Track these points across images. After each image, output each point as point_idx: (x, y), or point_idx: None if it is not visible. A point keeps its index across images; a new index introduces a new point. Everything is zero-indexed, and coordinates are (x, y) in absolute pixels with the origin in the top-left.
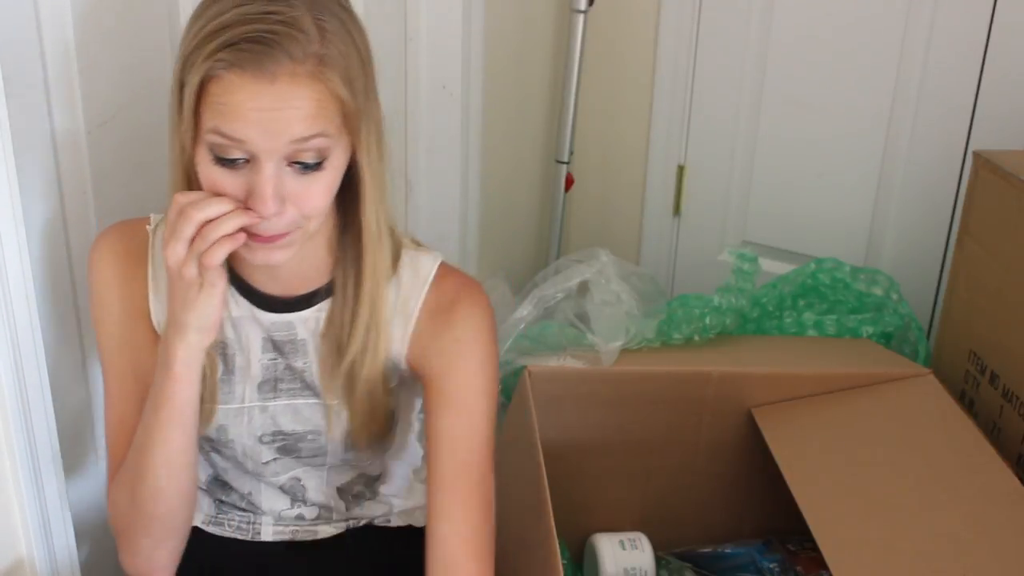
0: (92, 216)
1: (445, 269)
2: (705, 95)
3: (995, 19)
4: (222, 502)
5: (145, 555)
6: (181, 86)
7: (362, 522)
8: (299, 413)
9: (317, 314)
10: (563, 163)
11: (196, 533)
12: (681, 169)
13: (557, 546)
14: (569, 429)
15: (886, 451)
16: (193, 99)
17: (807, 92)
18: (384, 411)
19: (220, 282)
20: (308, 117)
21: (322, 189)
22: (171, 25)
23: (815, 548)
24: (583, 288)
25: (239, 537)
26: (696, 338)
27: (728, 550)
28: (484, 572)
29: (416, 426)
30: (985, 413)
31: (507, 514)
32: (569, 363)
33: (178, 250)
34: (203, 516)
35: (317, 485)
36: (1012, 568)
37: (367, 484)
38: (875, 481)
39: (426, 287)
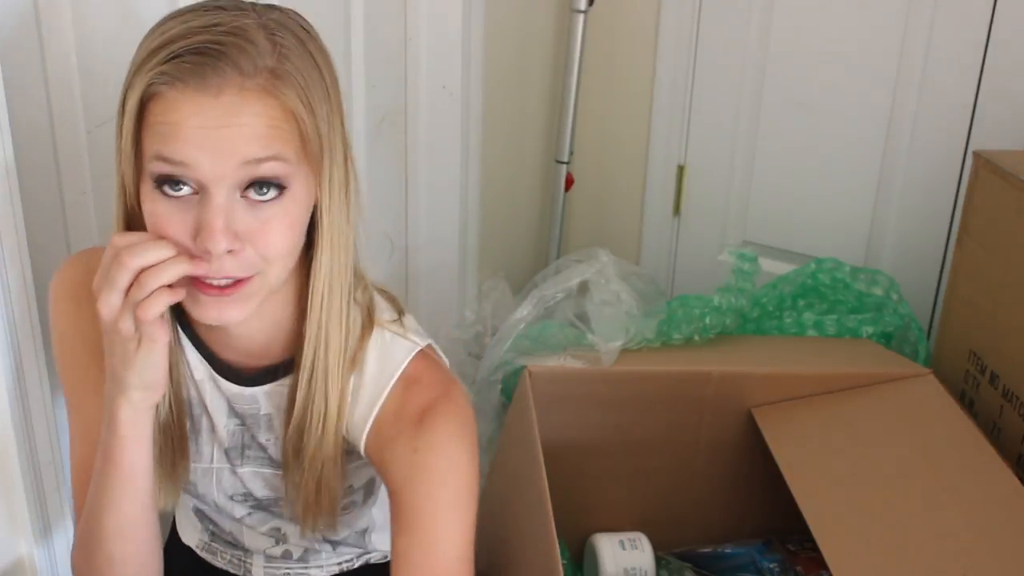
0: (92, 216)
1: (420, 365)
2: (705, 95)
3: (995, 19)
4: (212, 532)
5: None
6: (121, 110)
7: (357, 563)
8: (268, 482)
9: (281, 389)
10: (563, 163)
11: (191, 555)
12: (681, 169)
13: (557, 546)
14: (569, 429)
15: (886, 451)
16: (133, 123)
17: (807, 92)
18: (334, 492)
19: (161, 336)
20: (260, 136)
21: (283, 226)
22: None
23: (815, 548)
24: (583, 288)
25: (231, 571)
26: (696, 338)
27: (728, 550)
28: None
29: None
30: (985, 413)
31: (507, 514)
32: (569, 363)
33: (112, 301)
34: (196, 539)
35: (299, 534)
36: (1012, 568)
37: (356, 536)
38: (875, 481)
39: (391, 384)
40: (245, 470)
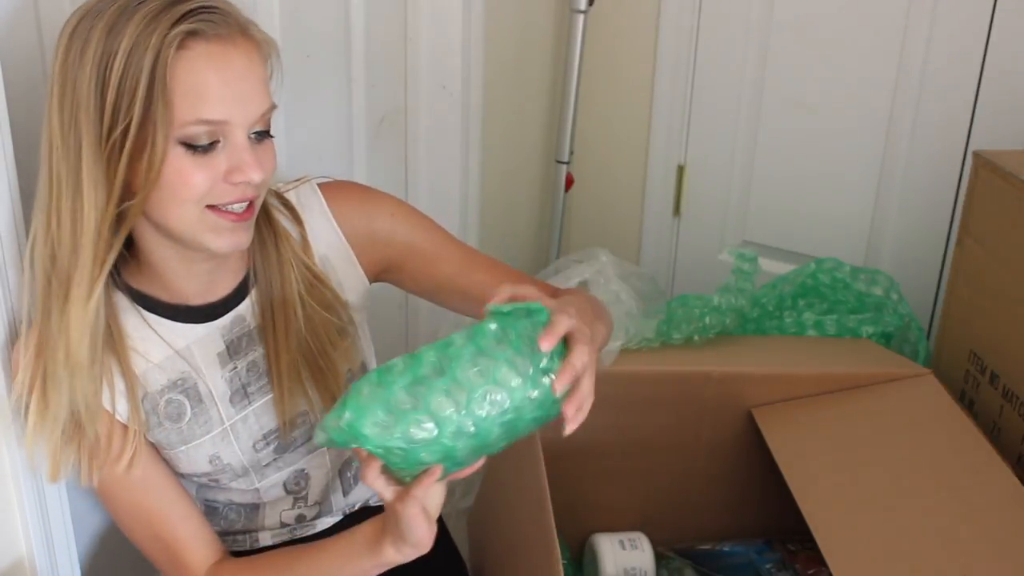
0: None
1: (326, 186)
2: (705, 95)
3: (995, 19)
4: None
5: None
6: (118, 81)
7: (356, 506)
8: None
9: (252, 298)
10: (563, 163)
11: None
12: (681, 169)
13: (557, 546)
14: None
15: (886, 451)
16: (146, 91)
17: (807, 92)
18: (333, 360)
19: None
20: (265, 88)
21: (272, 154)
22: None
23: (815, 548)
24: (583, 288)
25: (236, 550)
26: (696, 338)
27: (727, 548)
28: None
29: None
30: (985, 413)
31: (507, 514)
32: None
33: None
34: None
35: (321, 473)
36: (1012, 568)
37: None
38: (875, 481)
39: (330, 216)
40: (254, 406)
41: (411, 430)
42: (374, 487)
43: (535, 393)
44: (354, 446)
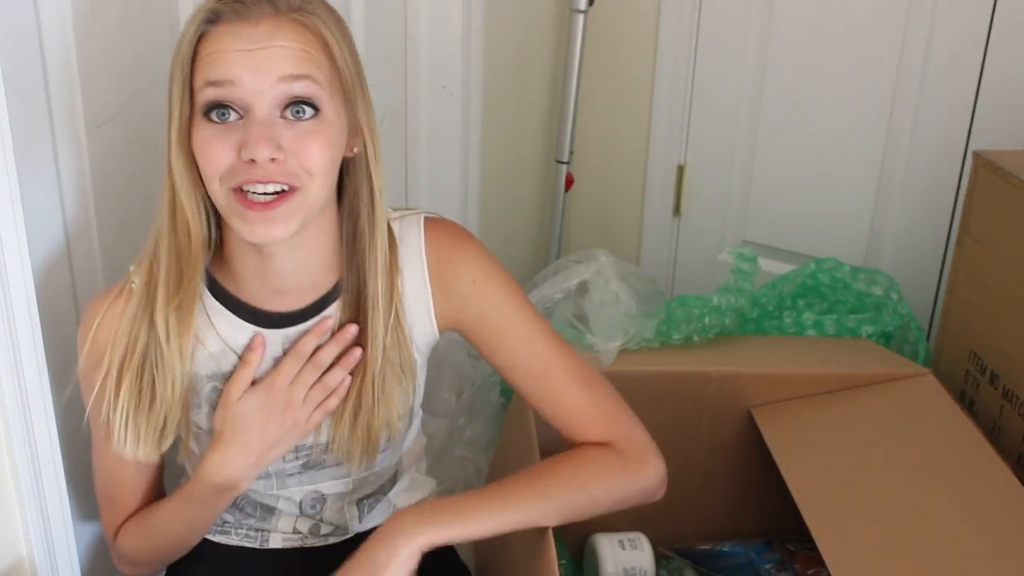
0: (92, 216)
1: (430, 225)
2: (705, 95)
3: (995, 19)
4: (234, 505)
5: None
6: (177, 60)
7: (368, 526)
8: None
9: (335, 316)
10: (563, 163)
11: (201, 543)
12: (681, 169)
13: (554, 546)
14: None
15: (886, 451)
16: (188, 69)
17: (807, 92)
18: (400, 409)
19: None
20: (294, 57)
21: (321, 141)
22: (171, 25)
23: (815, 548)
24: (582, 288)
25: (246, 545)
26: (695, 338)
27: (726, 548)
28: (611, 434)
29: (420, 413)
30: (985, 413)
31: None
32: None
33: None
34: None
35: (338, 498)
36: (1011, 568)
37: (382, 490)
38: (875, 481)
39: (424, 258)
40: None
41: None
42: None
43: None
44: None
